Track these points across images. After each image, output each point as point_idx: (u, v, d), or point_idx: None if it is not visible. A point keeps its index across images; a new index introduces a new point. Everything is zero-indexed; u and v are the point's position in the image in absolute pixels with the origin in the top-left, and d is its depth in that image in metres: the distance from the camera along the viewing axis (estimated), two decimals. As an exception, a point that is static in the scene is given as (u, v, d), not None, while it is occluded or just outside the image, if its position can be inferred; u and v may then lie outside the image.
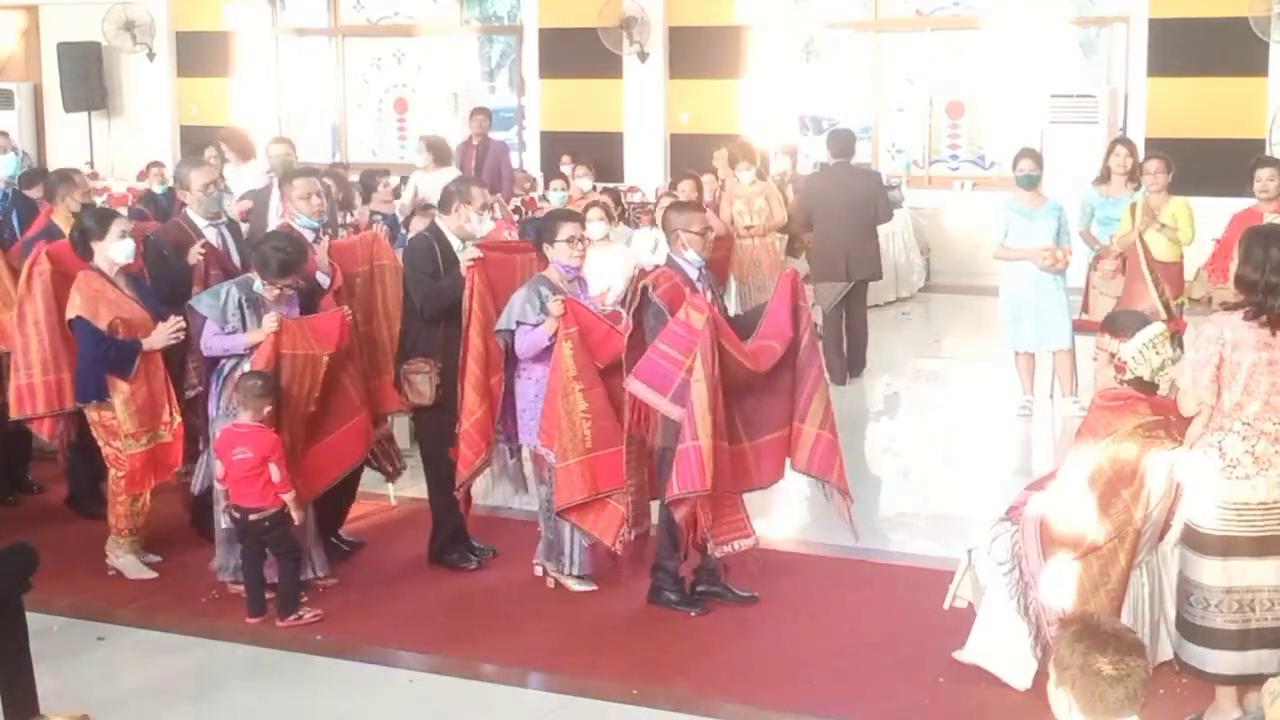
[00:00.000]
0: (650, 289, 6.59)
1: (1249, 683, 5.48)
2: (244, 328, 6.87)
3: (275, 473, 6.62)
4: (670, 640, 6.58)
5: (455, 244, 7.21)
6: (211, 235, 7.63)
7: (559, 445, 6.69)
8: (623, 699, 6.02)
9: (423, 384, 7.15)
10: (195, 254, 7.46)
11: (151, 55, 17.89)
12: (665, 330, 6.44)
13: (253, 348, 6.83)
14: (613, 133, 16.34)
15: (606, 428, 6.68)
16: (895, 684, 6.12)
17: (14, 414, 7.53)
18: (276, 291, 6.89)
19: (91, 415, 7.25)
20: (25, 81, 18.61)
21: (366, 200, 10.80)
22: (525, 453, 7.19)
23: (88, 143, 17.80)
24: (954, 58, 16.34)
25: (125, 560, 7.36)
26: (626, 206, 13.74)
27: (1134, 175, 10.27)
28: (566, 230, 6.95)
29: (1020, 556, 5.89)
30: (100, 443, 7.30)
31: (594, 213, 10.45)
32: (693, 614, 6.71)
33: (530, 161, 16.73)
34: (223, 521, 6.94)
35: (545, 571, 7.12)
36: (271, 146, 10.50)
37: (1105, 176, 10.48)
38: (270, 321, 6.79)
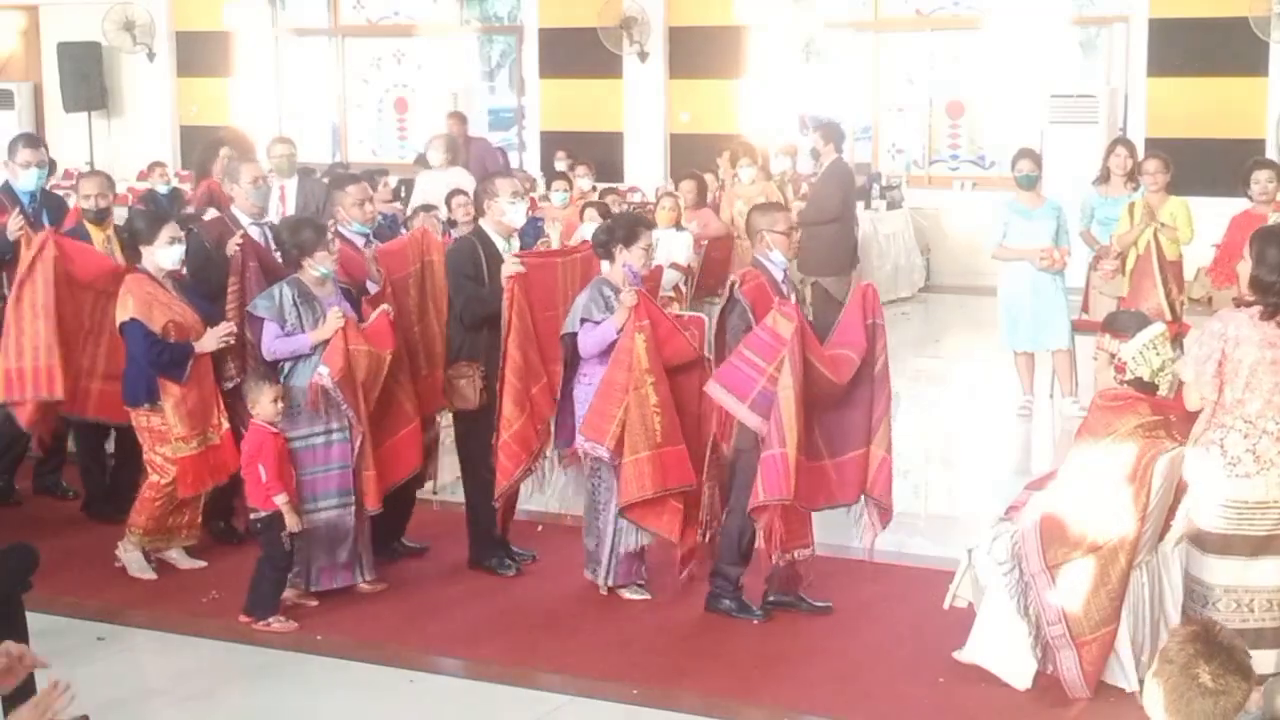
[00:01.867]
0: (736, 286, 6.54)
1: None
2: (301, 326, 6.80)
3: (263, 474, 6.59)
4: (670, 640, 6.58)
5: (500, 245, 7.13)
6: (255, 234, 7.54)
7: (628, 440, 6.57)
8: (623, 699, 6.02)
9: (467, 388, 7.07)
10: (233, 245, 7.37)
11: (151, 55, 17.89)
12: (751, 336, 6.36)
13: (316, 346, 6.77)
14: (613, 133, 16.35)
15: (673, 424, 6.63)
16: (895, 684, 6.12)
17: (1, 398, 7.50)
18: (332, 262, 6.84)
19: (140, 421, 7.20)
20: (25, 81, 18.62)
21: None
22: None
23: (88, 143, 17.79)
24: (954, 58, 16.34)
25: (131, 556, 7.33)
26: (627, 207, 13.72)
27: (1134, 175, 10.28)
28: (646, 238, 6.87)
29: (1020, 556, 5.89)
30: (144, 448, 7.24)
31: (591, 212, 10.49)
32: (754, 622, 6.61)
33: (530, 161, 16.74)
34: (304, 523, 6.85)
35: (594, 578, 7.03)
36: (273, 146, 10.49)
37: (1105, 177, 10.49)
38: (335, 318, 6.73)
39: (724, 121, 15.73)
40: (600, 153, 15.40)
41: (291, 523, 6.61)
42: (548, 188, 13.49)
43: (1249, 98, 14.01)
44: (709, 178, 12.80)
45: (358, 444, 6.85)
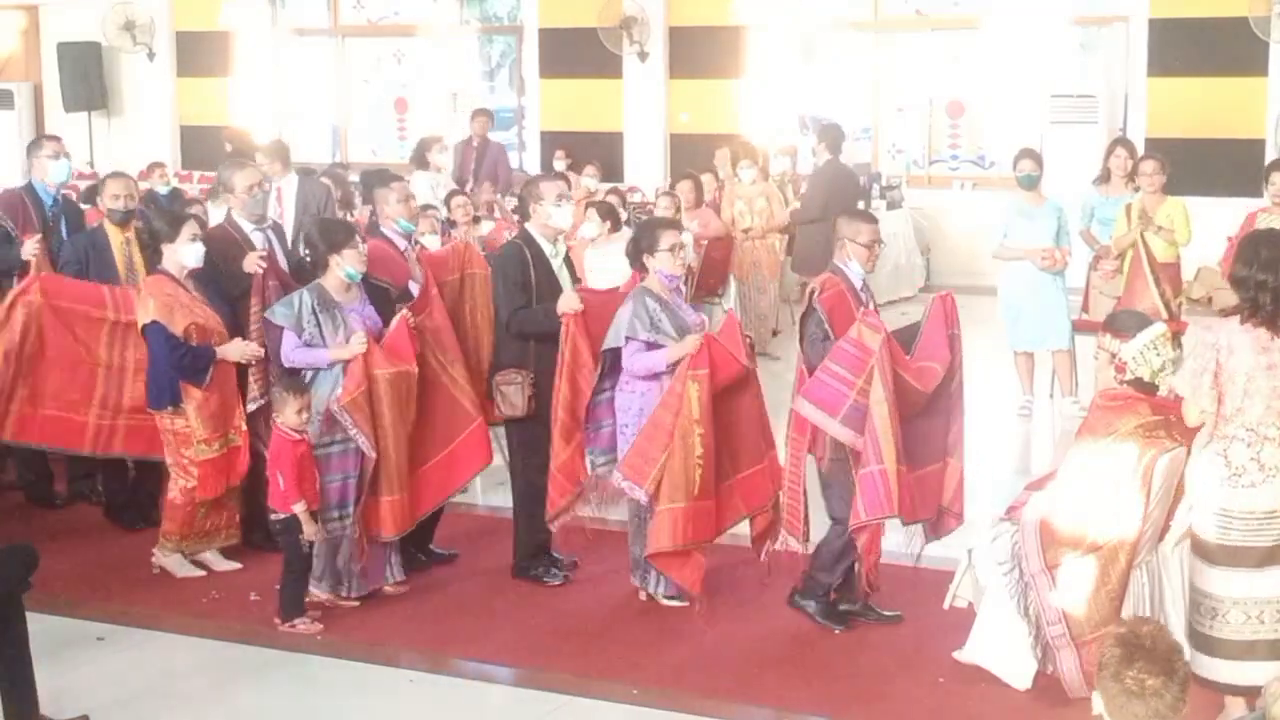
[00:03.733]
0: (816, 294, 6.43)
1: (1259, 694, 5.47)
2: (321, 335, 6.74)
3: (281, 482, 6.59)
4: (670, 641, 6.58)
5: (547, 248, 7.06)
6: (258, 240, 7.51)
7: (666, 488, 6.45)
8: (623, 699, 6.02)
9: (515, 395, 6.97)
10: (255, 263, 7.29)
11: (151, 55, 17.89)
12: (836, 349, 6.25)
13: (334, 365, 6.70)
14: (613, 133, 16.35)
15: (710, 477, 6.54)
16: (895, 684, 6.12)
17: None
18: (360, 264, 6.78)
19: (164, 424, 7.17)
20: (25, 81, 18.61)
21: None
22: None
23: (88, 143, 17.78)
24: (954, 58, 16.34)
25: (170, 559, 7.31)
26: (627, 207, 13.74)
27: (1134, 176, 10.28)
28: (668, 239, 6.77)
29: (1020, 556, 5.89)
30: (167, 452, 7.21)
31: (591, 212, 10.46)
32: (836, 631, 6.51)
33: (530, 161, 16.74)
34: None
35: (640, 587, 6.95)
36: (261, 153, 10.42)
37: (1105, 177, 10.50)
38: (359, 342, 6.65)
39: (724, 121, 15.73)
40: (600, 153, 15.41)
41: (309, 531, 6.58)
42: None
43: (1249, 98, 14.00)
44: (709, 177, 12.80)
45: (369, 469, 6.75)
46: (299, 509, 6.55)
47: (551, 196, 7.08)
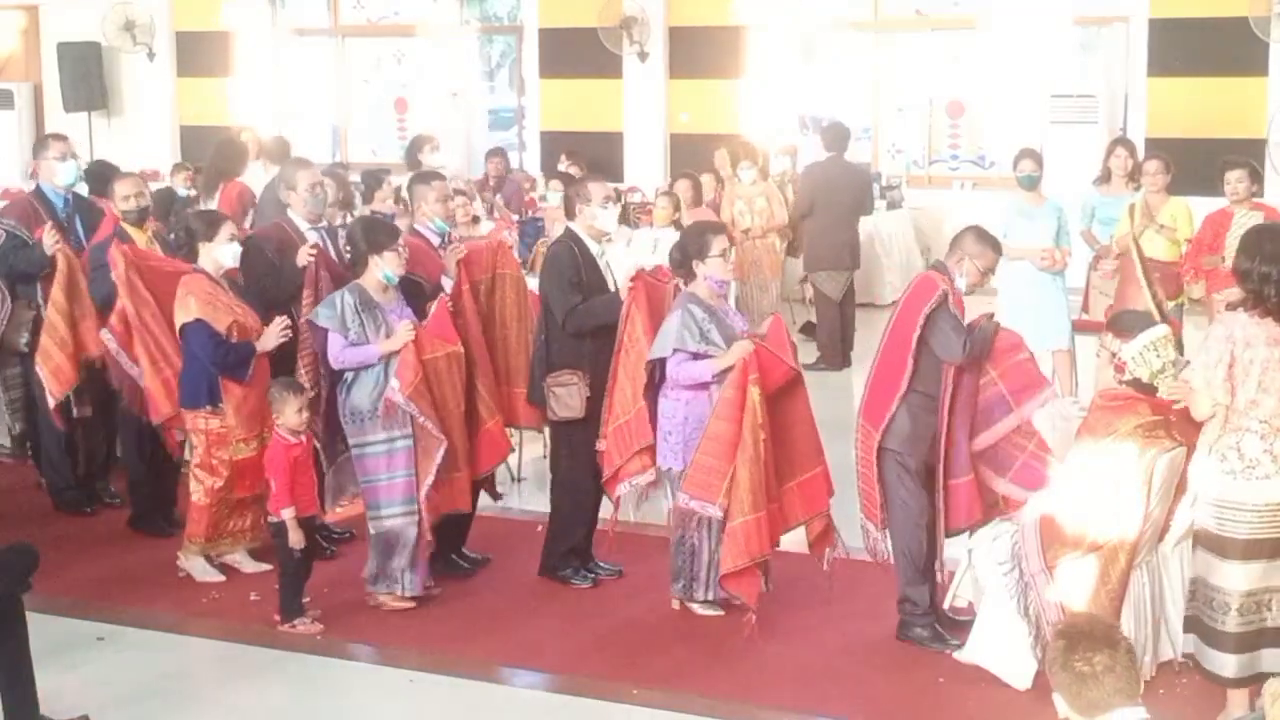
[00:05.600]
0: (948, 297, 6.25)
1: (1261, 684, 5.47)
2: (365, 335, 6.72)
3: (273, 485, 6.60)
4: (670, 641, 6.58)
5: (593, 248, 7.04)
6: (313, 238, 7.48)
7: (735, 500, 6.37)
8: (622, 699, 6.02)
9: (570, 396, 6.91)
10: (306, 255, 7.30)
11: (151, 55, 17.87)
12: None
13: (386, 358, 6.68)
14: (613, 133, 16.33)
15: (773, 484, 6.51)
16: (895, 684, 6.12)
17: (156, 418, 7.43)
18: (399, 266, 6.77)
19: (197, 424, 7.14)
20: (25, 81, 18.59)
21: (368, 201, 10.78)
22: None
23: (88, 143, 17.76)
24: (954, 58, 16.33)
25: (193, 563, 7.28)
26: (628, 207, 13.73)
27: (1134, 176, 10.29)
28: (719, 244, 6.73)
29: (1020, 556, 5.89)
30: (197, 453, 7.16)
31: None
32: (950, 653, 6.24)
33: (530, 161, 16.73)
34: (370, 529, 6.87)
35: (678, 599, 6.84)
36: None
37: (1106, 177, 10.50)
38: (406, 331, 6.64)
39: (724, 121, 15.71)
40: (600, 153, 15.40)
41: (294, 539, 6.56)
42: (548, 188, 13.47)
43: (1249, 98, 13.99)
44: (709, 178, 12.80)
45: (439, 453, 6.72)
46: (287, 515, 6.55)
47: (599, 198, 7.07)
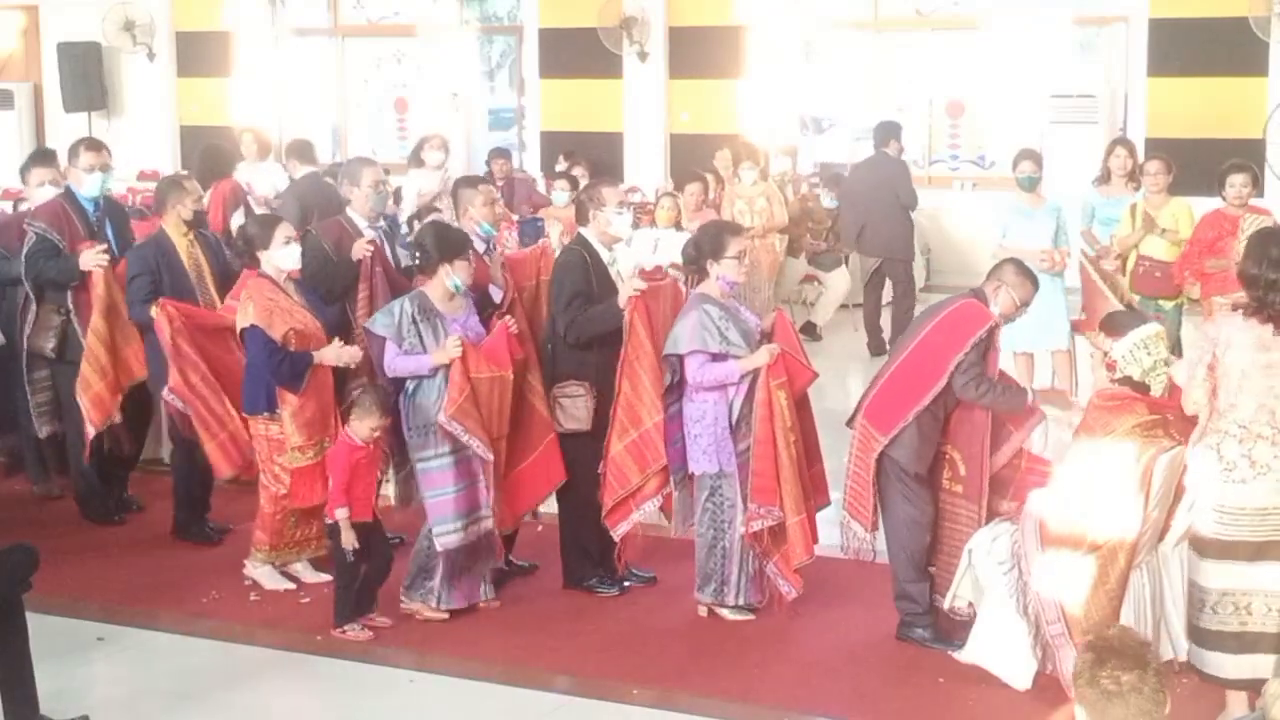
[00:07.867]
0: (995, 329, 6.26)
1: (1256, 687, 5.47)
2: (421, 343, 6.60)
3: (330, 484, 6.56)
4: (670, 641, 6.58)
5: (604, 255, 6.94)
6: (371, 236, 7.46)
7: (788, 499, 6.40)
8: (622, 699, 6.03)
9: (577, 408, 6.84)
10: (362, 248, 7.26)
11: (151, 55, 17.88)
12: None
13: (437, 370, 6.55)
14: (613, 133, 16.33)
15: (805, 486, 6.53)
16: (895, 684, 6.13)
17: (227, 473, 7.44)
18: (468, 275, 6.67)
19: (258, 429, 7.07)
20: (25, 81, 18.59)
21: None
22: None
23: (88, 143, 17.76)
24: (954, 58, 16.33)
25: (261, 571, 7.20)
26: (630, 207, 13.73)
27: (1134, 176, 10.28)
28: (736, 245, 6.65)
29: (1020, 556, 5.90)
30: (260, 458, 7.11)
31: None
32: (950, 653, 6.19)
33: (530, 161, 16.73)
34: (421, 540, 6.78)
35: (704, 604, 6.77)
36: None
37: (1106, 177, 10.49)
38: (454, 346, 6.50)
39: (724, 121, 15.71)
40: (600, 153, 15.40)
41: (346, 540, 6.51)
42: (549, 189, 13.48)
43: (1249, 98, 13.99)
44: (709, 178, 12.80)
45: (487, 471, 6.62)
46: (341, 515, 6.49)
47: (613, 203, 6.98)
